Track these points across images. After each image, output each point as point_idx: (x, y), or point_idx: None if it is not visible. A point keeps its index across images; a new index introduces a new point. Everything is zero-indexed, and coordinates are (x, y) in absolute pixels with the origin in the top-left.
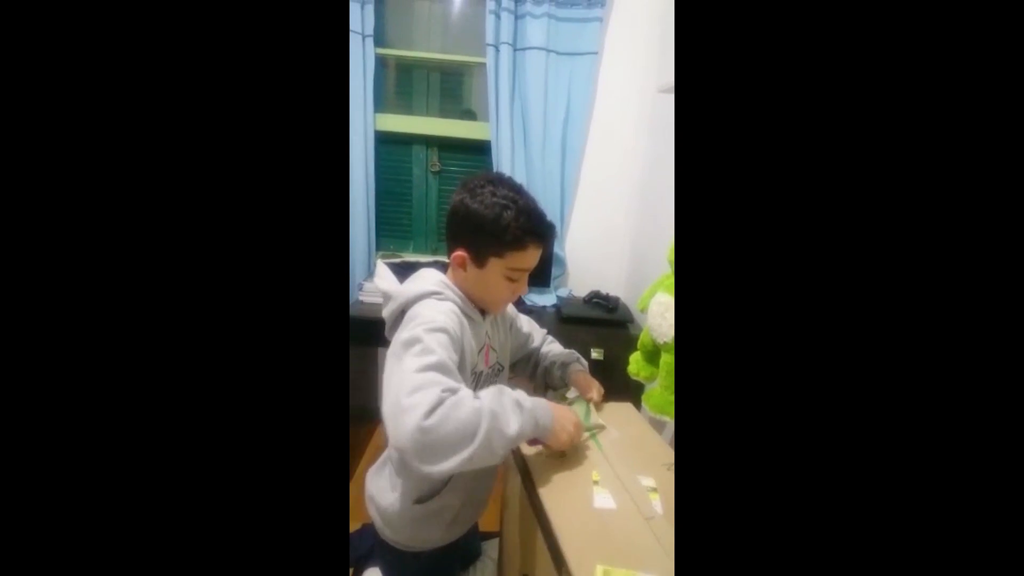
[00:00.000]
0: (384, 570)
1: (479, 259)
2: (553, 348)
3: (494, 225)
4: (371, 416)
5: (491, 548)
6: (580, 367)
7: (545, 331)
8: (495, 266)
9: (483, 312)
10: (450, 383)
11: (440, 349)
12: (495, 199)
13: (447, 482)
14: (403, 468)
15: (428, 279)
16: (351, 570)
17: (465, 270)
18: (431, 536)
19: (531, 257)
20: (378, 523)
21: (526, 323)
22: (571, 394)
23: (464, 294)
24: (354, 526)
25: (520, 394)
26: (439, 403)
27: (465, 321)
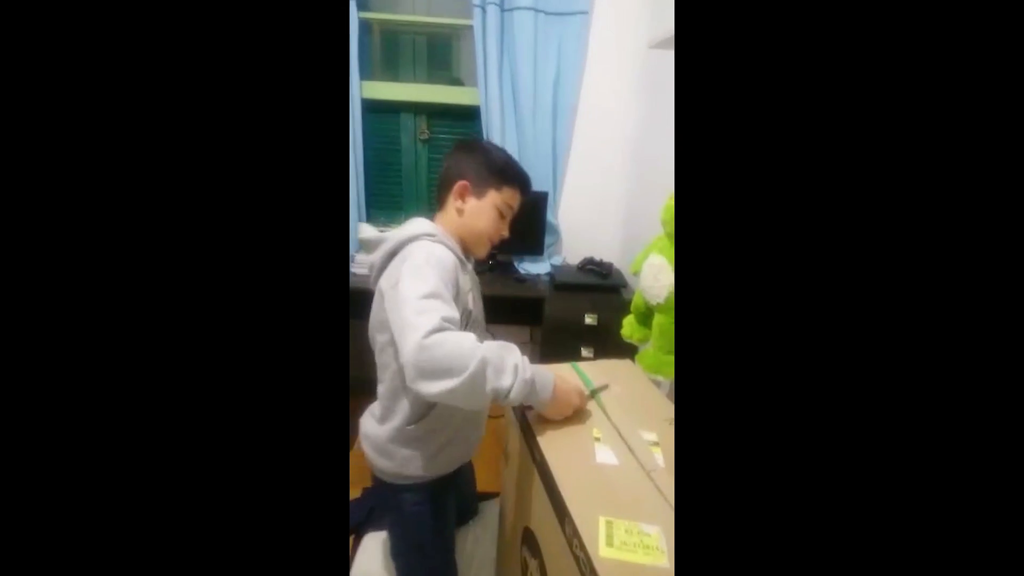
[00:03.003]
0: (380, 510)
1: (479, 190)
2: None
3: (497, 163)
4: (366, 388)
5: (488, 509)
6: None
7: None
8: (492, 198)
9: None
10: (449, 312)
11: (436, 280)
12: (495, 148)
13: (434, 406)
14: (393, 394)
15: (420, 224)
16: (351, 536)
17: (464, 200)
18: (422, 460)
19: (516, 200)
20: (371, 457)
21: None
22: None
23: (454, 240)
24: (353, 493)
25: (524, 361)
26: (439, 328)
27: (457, 263)
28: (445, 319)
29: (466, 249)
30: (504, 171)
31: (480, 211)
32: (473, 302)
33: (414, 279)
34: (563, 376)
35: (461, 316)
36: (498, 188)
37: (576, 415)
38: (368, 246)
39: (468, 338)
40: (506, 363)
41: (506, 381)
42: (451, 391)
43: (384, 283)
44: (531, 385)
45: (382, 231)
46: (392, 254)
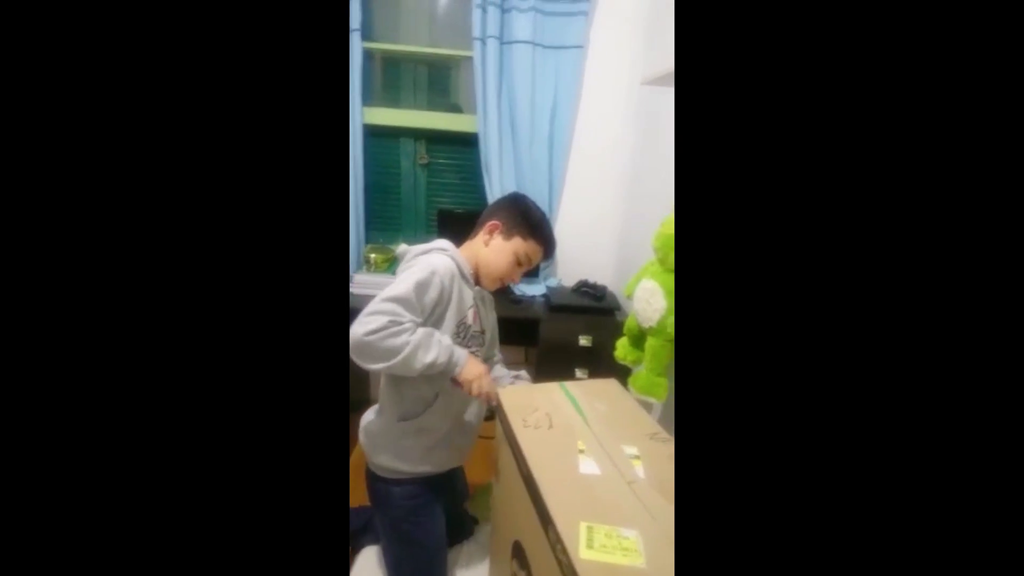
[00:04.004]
0: (373, 505)
1: (508, 232)
2: (502, 369)
3: (533, 218)
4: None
5: (482, 531)
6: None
7: (501, 357)
8: (516, 244)
9: (476, 283)
10: (402, 315)
11: (410, 288)
12: (538, 209)
13: (430, 404)
14: (387, 390)
15: (440, 242)
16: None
17: (491, 237)
18: (411, 456)
19: (537, 255)
20: (366, 449)
21: (496, 339)
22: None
23: (469, 264)
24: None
25: (446, 338)
26: (381, 329)
27: (460, 277)
28: (393, 322)
29: (477, 278)
30: (536, 227)
31: (502, 251)
32: (476, 318)
33: (394, 284)
34: (472, 357)
35: (458, 329)
36: (524, 238)
37: (560, 427)
38: (400, 258)
39: (403, 333)
40: (431, 342)
41: (431, 354)
42: (389, 368)
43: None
44: (450, 351)
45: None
46: (413, 258)
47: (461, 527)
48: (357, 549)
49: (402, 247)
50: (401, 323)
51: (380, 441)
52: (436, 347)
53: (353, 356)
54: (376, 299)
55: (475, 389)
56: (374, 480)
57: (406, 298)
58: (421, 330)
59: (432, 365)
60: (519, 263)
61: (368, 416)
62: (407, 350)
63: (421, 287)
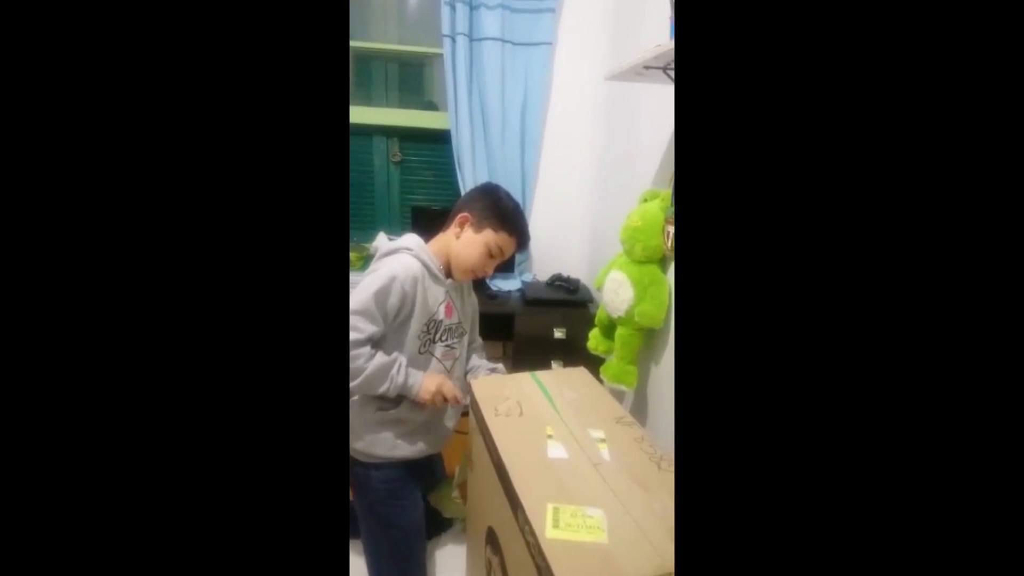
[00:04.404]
0: (352, 490)
1: (478, 225)
2: (476, 358)
3: (503, 208)
4: None
5: (460, 524)
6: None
7: (481, 342)
8: (486, 236)
9: (447, 276)
10: (361, 330)
11: (370, 299)
12: (509, 198)
13: (403, 399)
14: None
15: (407, 240)
16: None
17: (461, 229)
18: (387, 441)
19: (510, 247)
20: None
21: (476, 325)
22: None
23: (439, 257)
24: None
25: (401, 367)
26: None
27: (426, 276)
28: (355, 342)
29: (449, 271)
30: (506, 218)
31: (472, 243)
32: (450, 311)
33: (356, 290)
34: (429, 376)
35: (429, 324)
36: (495, 229)
37: (530, 415)
38: (374, 253)
39: (359, 359)
40: (387, 375)
41: (383, 387)
42: (353, 387)
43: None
44: (402, 385)
45: (391, 239)
46: (379, 260)
47: (440, 518)
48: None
49: (379, 239)
50: (359, 340)
51: (358, 427)
52: (388, 382)
53: None
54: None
55: (438, 402)
56: (352, 464)
57: (365, 310)
58: (377, 359)
59: (386, 394)
60: (491, 255)
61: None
62: (362, 378)
63: (380, 295)
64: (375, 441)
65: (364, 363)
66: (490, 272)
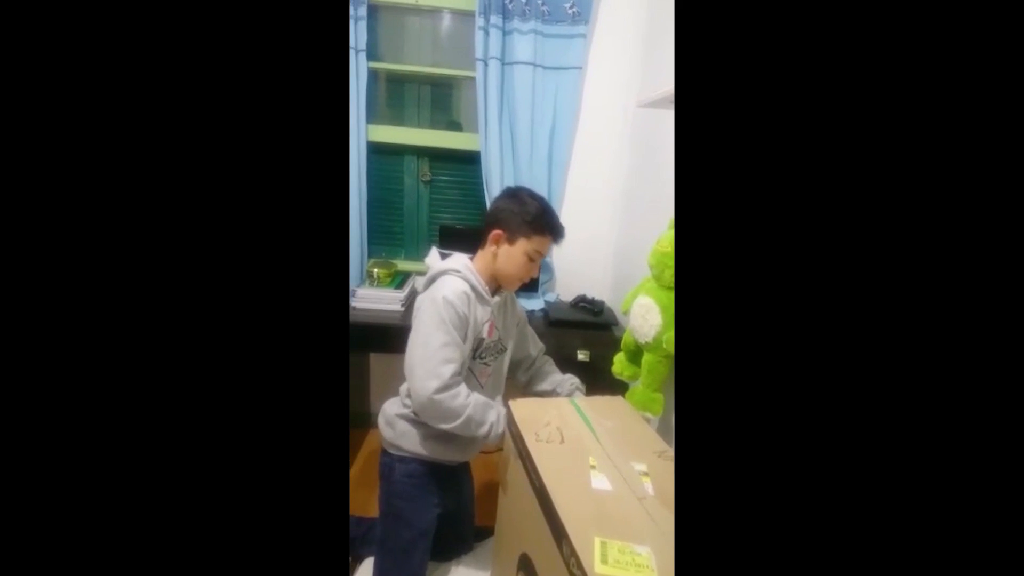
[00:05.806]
0: (379, 479)
1: (512, 237)
2: (549, 368)
3: (530, 214)
4: (364, 421)
5: (482, 547)
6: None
7: (543, 347)
8: (522, 245)
9: (493, 294)
10: (457, 363)
11: (450, 329)
12: (532, 199)
13: None
14: (407, 385)
15: (455, 260)
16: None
17: (497, 246)
18: (414, 439)
19: (546, 246)
20: (380, 426)
21: (532, 333)
22: None
23: (484, 275)
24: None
25: (499, 414)
26: (449, 387)
27: (474, 298)
28: (454, 375)
29: (497, 286)
30: (535, 222)
31: (511, 257)
32: (492, 330)
33: (436, 327)
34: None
35: (473, 344)
36: (528, 237)
37: (573, 442)
38: (429, 269)
39: (461, 395)
40: (486, 418)
41: (483, 431)
42: (452, 428)
43: (420, 299)
44: (496, 427)
45: (444, 255)
46: (432, 280)
47: (462, 537)
48: (359, 559)
49: (431, 255)
50: (457, 372)
51: (392, 421)
52: (487, 427)
53: (418, 412)
54: (427, 343)
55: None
56: (383, 455)
57: (452, 341)
58: (474, 399)
59: (482, 437)
60: (531, 260)
61: (390, 400)
62: (461, 419)
63: (454, 321)
64: (404, 434)
65: (464, 401)
66: (536, 274)
